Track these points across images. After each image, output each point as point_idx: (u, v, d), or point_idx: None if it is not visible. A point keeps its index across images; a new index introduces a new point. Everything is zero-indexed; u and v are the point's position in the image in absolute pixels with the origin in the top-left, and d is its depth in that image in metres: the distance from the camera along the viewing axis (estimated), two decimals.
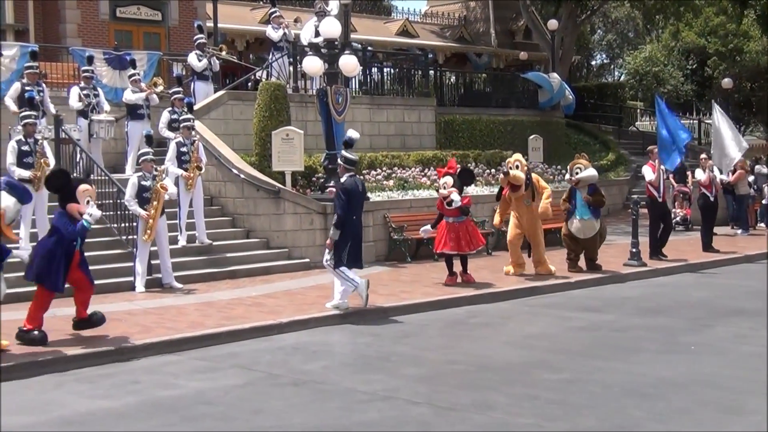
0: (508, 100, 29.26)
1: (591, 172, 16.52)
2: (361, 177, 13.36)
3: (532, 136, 25.64)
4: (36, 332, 10.36)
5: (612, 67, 62.88)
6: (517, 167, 15.61)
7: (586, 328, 11.94)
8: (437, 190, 15.59)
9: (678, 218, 23.73)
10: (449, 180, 14.96)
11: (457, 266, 15.13)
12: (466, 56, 39.27)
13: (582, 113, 35.13)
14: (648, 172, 18.25)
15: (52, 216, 11.27)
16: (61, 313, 11.32)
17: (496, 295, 14.31)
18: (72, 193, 10.51)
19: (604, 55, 62.94)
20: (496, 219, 16.60)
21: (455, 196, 14.64)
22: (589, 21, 45.23)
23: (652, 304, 13.74)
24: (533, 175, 16.25)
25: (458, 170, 15.30)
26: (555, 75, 29.05)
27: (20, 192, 10.25)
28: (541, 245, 16.04)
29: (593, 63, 61.79)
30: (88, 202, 10.45)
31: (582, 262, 16.61)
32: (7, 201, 9.97)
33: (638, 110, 44.35)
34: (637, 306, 13.53)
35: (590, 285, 15.53)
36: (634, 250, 17.11)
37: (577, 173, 16.38)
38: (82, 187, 10.61)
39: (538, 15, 37.96)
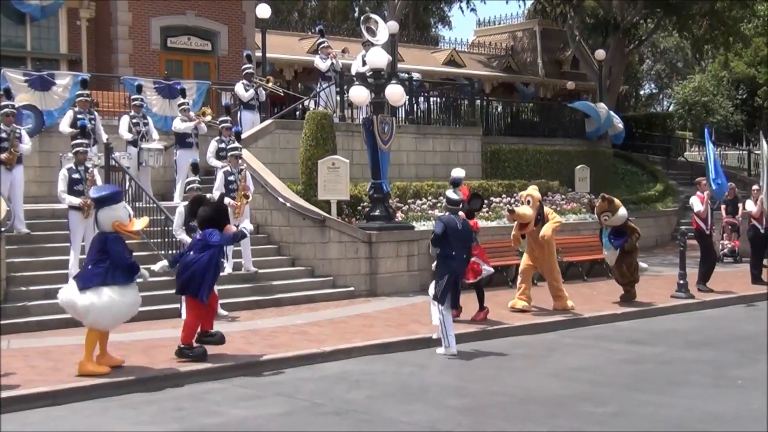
0: (555, 130, 29.16)
1: (620, 214, 16.20)
2: (462, 216, 12.55)
3: (578, 166, 25.54)
4: (196, 347, 11.20)
5: (661, 96, 62.53)
6: (528, 202, 15.10)
7: (631, 360, 11.84)
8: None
9: (726, 250, 23.45)
10: None
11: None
12: (513, 86, 39.30)
13: (630, 143, 34.92)
14: (696, 204, 18.10)
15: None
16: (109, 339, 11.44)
17: (539, 327, 14.24)
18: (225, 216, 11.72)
19: (652, 85, 62.63)
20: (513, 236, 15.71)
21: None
22: (638, 51, 45.06)
23: (699, 336, 13.59)
24: (546, 208, 15.81)
25: (468, 196, 14.54)
26: (602, 105, 28.93)
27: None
28: (558, 279, 15.65)
29: (642, 93, 61.51)
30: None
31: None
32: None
33: (687, 140, 43.98)
34: (684, 339, 13.38)
35: (636, 317, 15.38)
36: (681, 281, 16.93)
37: (605, 220, 16.22)
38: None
39: (586, 45, 37.89)
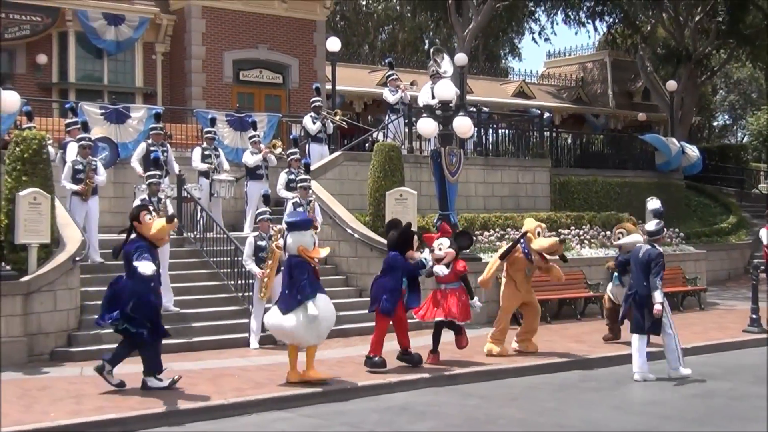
0: (626, 162, 28.94)
1: (633, 238, 15.28)
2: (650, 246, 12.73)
3: (649, 198, 25.24)
4: (377, 358, 12.43)
5: (735, 128, 61.59)
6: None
7: (701, 395, 11.66)
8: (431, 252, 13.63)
9: None
10: (445, 242, 13.48)
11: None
12: (583, 117, 39.13)
13: (703, 175, 34.46)
14: (765, 236, 17.80)
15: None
16: (178, 367, 11.61)
17: (610, 360, 14.08)
18: (410, 242, 12.77)
19: (726, 116, 61.74)
20: (486, 276, 14.33)
21: (439, 269, 13.22)
22: (710, 82, 44.55)
23: None
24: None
25: (455, 233, 14.19)
26: (674, 140, 28.60)
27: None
28: (539, 316, 14.78)
29: (715, 124, 60.63)
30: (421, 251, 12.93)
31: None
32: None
33: (762, 172, 43.22)
34: (755, 374, 13.12)
35: (707, 351, 15.13)
36: (753, 316, 16.63)
37: (619, 238, 15.58)
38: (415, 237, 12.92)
39: (657, 76, 37.59)
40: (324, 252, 12.02)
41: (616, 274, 15.35)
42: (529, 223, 14.44)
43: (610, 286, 15.74)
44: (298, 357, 11.67)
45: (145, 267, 10.66)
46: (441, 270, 13.23)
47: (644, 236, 13.37)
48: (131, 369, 11.21)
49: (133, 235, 11.18)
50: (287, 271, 11.56)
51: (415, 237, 12.96)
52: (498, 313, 14.47)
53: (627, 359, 14.08)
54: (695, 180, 32.83)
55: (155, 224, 11.22)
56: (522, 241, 14.28)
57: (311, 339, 11.50)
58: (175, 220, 11.84)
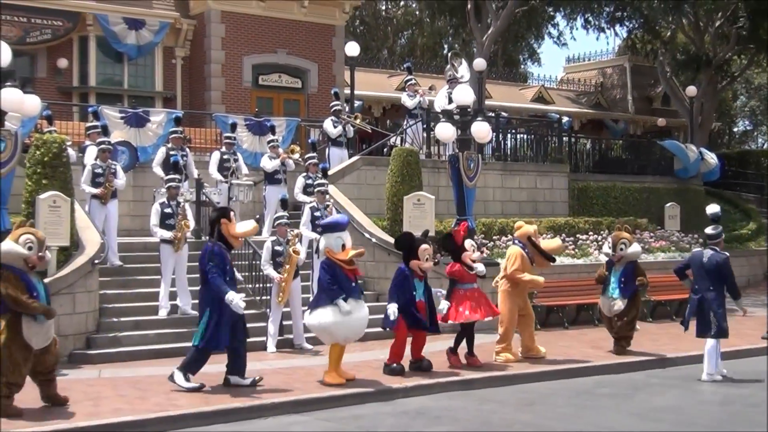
0: (645, 167, 28.83)
1: (636, 248, 15.20)
2: (711, 250, 13.25)
3: (668, 204, 25.21)
4: (395, 365, 12.61)
5: (755, 134, 61.22)
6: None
7: (718, 401, 11.64)
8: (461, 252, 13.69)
9: None
10: (470, 241, 13.84)
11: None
12: (602, 122, 39.04)
13: (722, 181, 34.28)
14: None
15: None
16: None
17: (625, 366, 14.07)
18: (414, 252, 12.67)
19: (747, 122, 61.38)
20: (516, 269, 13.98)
21: (481, 268, 13.65)
22: (730, 87, 44.33)
23: None
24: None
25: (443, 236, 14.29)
26: (692, 146, 28.46)
27: None
28: (533, 323, 14.69)
29: (735, 130, 60.30)
30: (426, 259, 12.64)
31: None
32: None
33: None
34: None
35: (725, 358, 15.00)
36: None
37: (621, 249, 14.87)
38: (423, 246, 12.69)
39: (677, 81, 37.47)
40: (353, 252, 12.08)
41: (605, 284, 14.99)
42: (527, 226, 14.50)
43: (602, 298, 15.15)
44: (341, 357, 12.09)
45: (236, 307, 11.13)
46: (482, 269, 13.69)
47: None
48: (157, 371, 11.27)
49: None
50: (319, 271, 12.22)
51: (423, 246, 12.74)
52: (501, 325, 14.13)
53: (643, 365, 14.11)
54: (715, 186, 32.65)
55: (243, 225, 11.62)
56: (519, 242, 14.28)
57: (343, 336, 11.87)
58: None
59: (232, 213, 11.85)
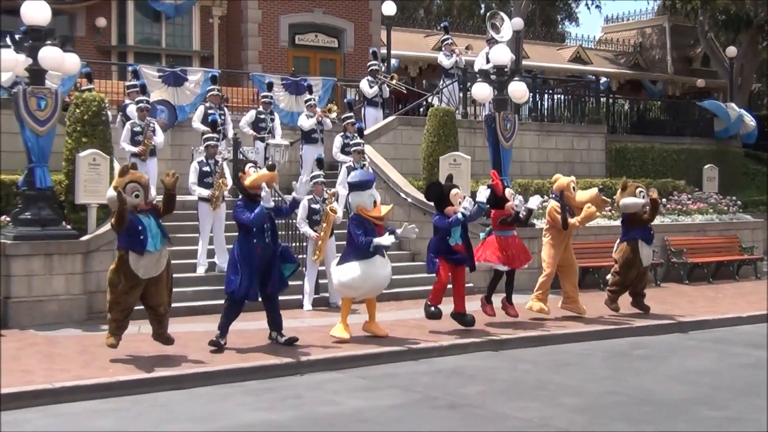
0: (683, 128, 28.53)
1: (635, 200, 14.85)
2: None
3: (707, 166, 24.96)
4: (433, 308, 12.85)
5: None
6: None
7: (754, 365, 11.58)
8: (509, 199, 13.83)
9: None
10: (509, 190, 14.06)
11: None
12: (640, 83, 38.63)
13: (762, 143, 33.86)
14: None
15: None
16: (233, 328, 11.80)
17: (661, 328, 14.05)
18: (446, 199, 12.78)
19: None
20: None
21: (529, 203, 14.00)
22: None
23: None
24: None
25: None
26: (733, 105, 28.15)
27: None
28: (576, 276, 14.79)
29: None
30: (459, 202, 12.60)
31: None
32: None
33: None
34: None
35: (761, 321, 15.00)
36: None
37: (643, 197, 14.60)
38: (453, 191, 12.84)
39: (717, 42, 36.94)
40: (384, 209, 12.32)
41: None
42: (562, 179, 14.50)
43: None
44: (348, 312, 12.34)
45: (257, 217, 11.29)
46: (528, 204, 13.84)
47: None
48: (194, 327, 11.39)
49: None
50: (348, 228, 12.18)
51: (453, 191, 12.88)
52: (542, 272, 14.47)
53: (679, 327, 14.07)
54: (753, 148, 32.26)
55: (252, 176, 11.52)
56: (555, 195, 14.41)
57: (363, 291, 12.11)
58: (275, 170, 11.92)
59: (249, 165, 11.83)
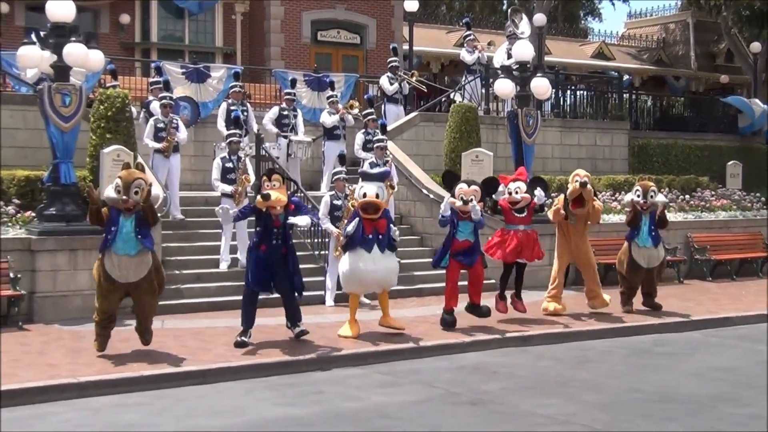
0: (707, 125, 28.41)
1: (662, 197, 15.13)
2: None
3: (730, 162, 24.80)
4: (446, 315, 12.85)
5: None
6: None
7: None
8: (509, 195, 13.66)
9: None
10: (522, 185, 13.63)
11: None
12: (663, 79, 38.46)
13: None
14: None
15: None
16: (255, 323, 11.86)
17: (684, 324, 14.00)
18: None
19: None
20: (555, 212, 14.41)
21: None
22: None
23: None
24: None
25: (531, 179, 14.18)
26: (757, 101, 27.99)
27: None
28: (596, 274, 14.61)
29: None
30: (461, 198, 12.59)
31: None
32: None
33: None
34: None
35: None
36: None
37: (651, 196, 14.41)
38: (458, 186, 12.88)
39: (741, 37, 36.70)
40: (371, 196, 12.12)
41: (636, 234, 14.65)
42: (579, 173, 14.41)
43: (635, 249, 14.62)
44: (356, 308, 12.41)
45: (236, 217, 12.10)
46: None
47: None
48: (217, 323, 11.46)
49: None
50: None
51: (460, 185, 12.95)
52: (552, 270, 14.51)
53: (702, 325, 14.01)
54: None
55: (269, 199, 11.44)
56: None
57: (353, 285, 12.17)
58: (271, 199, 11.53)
59: (264, 179, 11.84)
